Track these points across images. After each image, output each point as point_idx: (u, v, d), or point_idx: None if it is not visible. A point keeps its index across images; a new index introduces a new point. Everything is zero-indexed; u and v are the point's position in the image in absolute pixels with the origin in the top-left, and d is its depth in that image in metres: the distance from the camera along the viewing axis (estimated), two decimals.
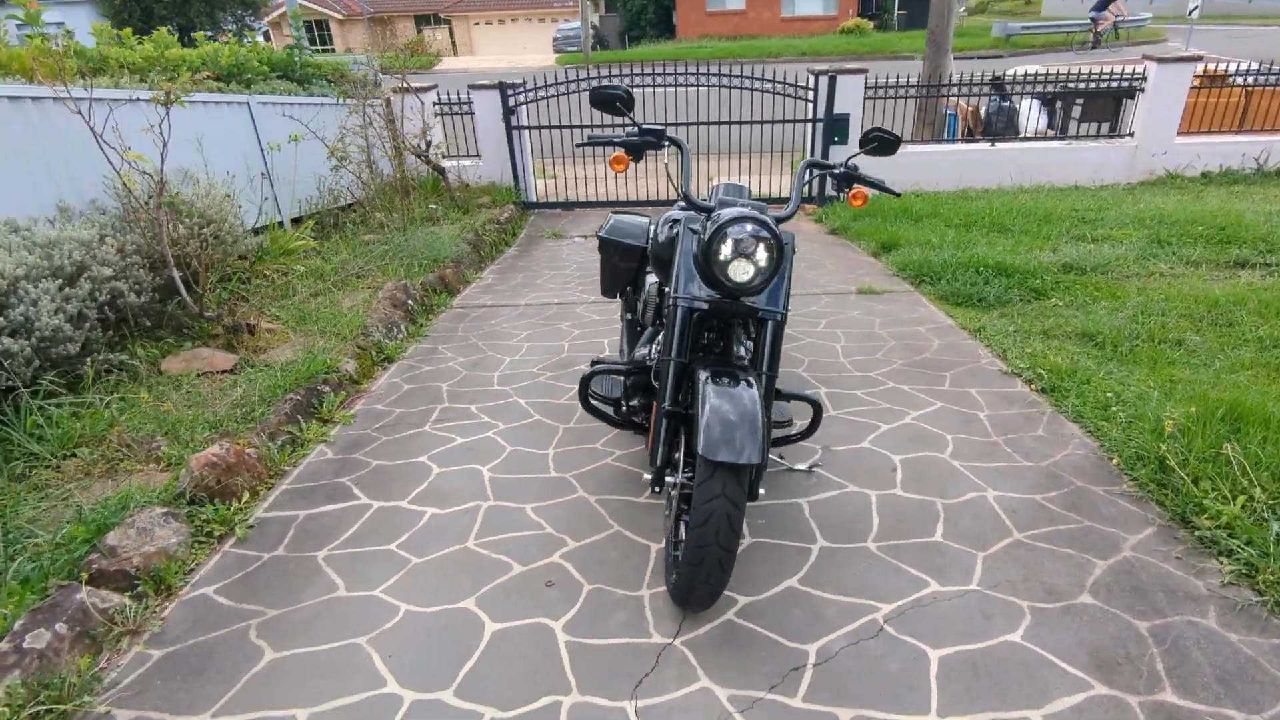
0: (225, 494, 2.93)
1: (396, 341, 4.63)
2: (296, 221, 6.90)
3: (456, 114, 9.10)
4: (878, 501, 2.86)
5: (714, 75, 8.15)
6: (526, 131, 8.89)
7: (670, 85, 8.33)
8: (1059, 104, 9.34)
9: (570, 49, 31.46)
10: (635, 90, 9.31)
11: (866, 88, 8.07)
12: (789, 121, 8.19)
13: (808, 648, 2.16)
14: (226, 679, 2.13)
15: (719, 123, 8.24)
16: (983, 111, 9.68)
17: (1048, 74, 9.01)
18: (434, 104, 8.99)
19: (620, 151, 2.44)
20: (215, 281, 4.71)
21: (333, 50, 35.01)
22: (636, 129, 2.48)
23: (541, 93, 8.48)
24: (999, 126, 9.37)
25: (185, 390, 3.75)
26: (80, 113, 4.12)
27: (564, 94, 8.48)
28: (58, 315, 3.57)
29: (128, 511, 2.64)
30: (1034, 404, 3.59)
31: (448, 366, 4.33)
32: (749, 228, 2.11)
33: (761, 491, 2.29)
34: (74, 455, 3.15)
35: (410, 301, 5.12)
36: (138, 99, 4.51)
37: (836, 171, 2.53)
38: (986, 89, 8.88)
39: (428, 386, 4.05)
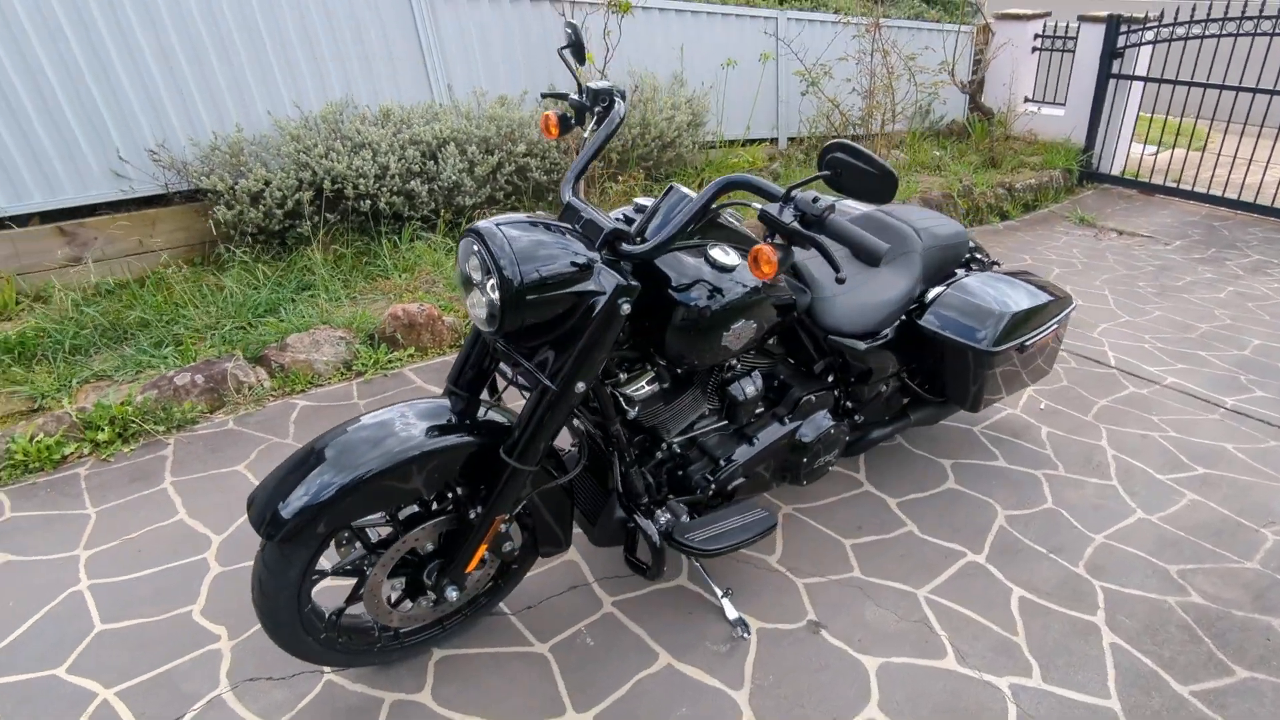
0: (394, 343, 3.46)
1: None
2: (793, 141, 6.85)
3: (1059, 50, 7.36)
4: None
5: None
6: (1133, 83, 6.63)
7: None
8: None
9: None
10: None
11: None
12: None
13: None
14: (210, 463, 2.68)
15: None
16: None
17: None
18: (1035, 37, 7.45)
19: (550, 112, 1.72)
20: (615, 175, 5.18)
21: None
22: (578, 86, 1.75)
23: (1166, 31, 6.13)
24: None
25: None
26: (563, 15, 4.96)
27: (1219, 35, 5.96)
28: (461, 173, 4.54)
29: (320, 325, 3.40)
30: None
31: None
32: (474, 248, 1.37)
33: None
34: (392, 278, 4.11)
35: None
36: (598, 3, 5.05)
37: (764, 208, 1.30)
38: None
39: None
